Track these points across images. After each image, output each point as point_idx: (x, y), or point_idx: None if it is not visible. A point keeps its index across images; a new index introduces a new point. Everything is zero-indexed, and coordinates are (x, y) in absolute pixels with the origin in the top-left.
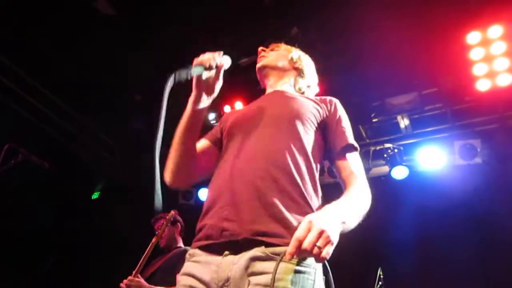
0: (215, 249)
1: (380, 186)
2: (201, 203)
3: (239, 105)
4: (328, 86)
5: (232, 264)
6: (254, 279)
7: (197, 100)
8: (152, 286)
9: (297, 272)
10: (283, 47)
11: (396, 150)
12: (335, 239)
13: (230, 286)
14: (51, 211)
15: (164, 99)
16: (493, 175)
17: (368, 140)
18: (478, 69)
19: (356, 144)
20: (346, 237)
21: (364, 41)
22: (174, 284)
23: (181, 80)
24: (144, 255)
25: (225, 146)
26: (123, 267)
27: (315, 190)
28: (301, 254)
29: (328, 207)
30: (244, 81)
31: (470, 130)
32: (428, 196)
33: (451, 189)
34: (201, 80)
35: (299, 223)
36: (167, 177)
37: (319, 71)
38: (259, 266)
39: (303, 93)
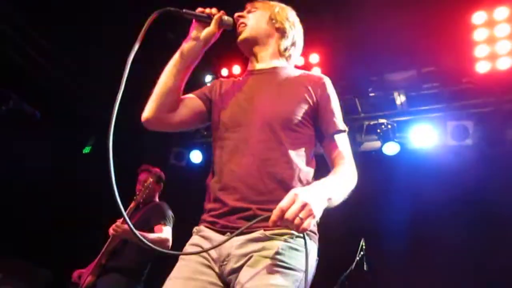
0: (218, 228)
1: (371, 161)
2: (192, 165)
3: (236, 69)
4: (329, 57)
5: (232, 242)
6: (256, 254)
7: (194, 38)
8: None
9: (292, 248)
10: (259, 5)
11: (389, 126)
12: (317, 213)
13: (229, 261)
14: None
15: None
16: (483, 157)
17: (363, 114)
18: (479, 51)
19: (344, 127)
20: (333, 211)
21: (367, 15)
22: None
23: (176, 14)
24: (126, 211)
25: (217, 143)
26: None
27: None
28: (283, 223)
29: (315, 183)
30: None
31: (465, 111)
32: (418, 173)
33: (441, 168)
34: (201, 21)
35: None
36: (145, 112)
37: (322, 39)
38: (260, 244)
39: (288, 56)
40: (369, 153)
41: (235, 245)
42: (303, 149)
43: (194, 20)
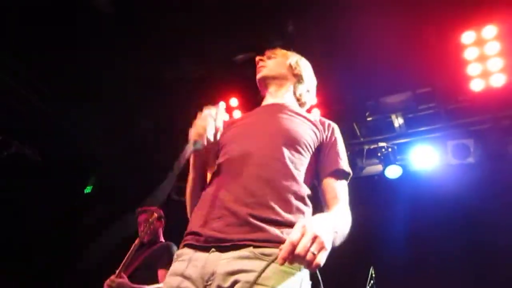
0: (202, 247)
1: (374, 185)
2: None
3: (234, 101)
4: (323, 84)
5: (218, 259)
6: (242, 276)
7: (200, 164)
8: (135, 285)
9: (284, 272)
10: (279, 53)
11: (390, 149)
12: (328, 246)
13: (214, 280)
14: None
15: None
16: (485, 175)
17: (362, 139)
18: (472, 69)
19: (349, 170)
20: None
21: (359, 40)
22: (156, 279)
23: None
24: (127, 255)
25: (220, 161)
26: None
27: (305, 205)
28: (294, 260)
29: (320, 215)
30: (240, 77)
31: (463, 129)
32: (422, 195)
33: (444, 189)
34: (200, 149)
35: (287, 233)
36: (188, 210)
37: (314, 69)
38: (247, 264)
39: (303, 103)
40: (372, 178)
41: (221, 263)
42: (303, 169)
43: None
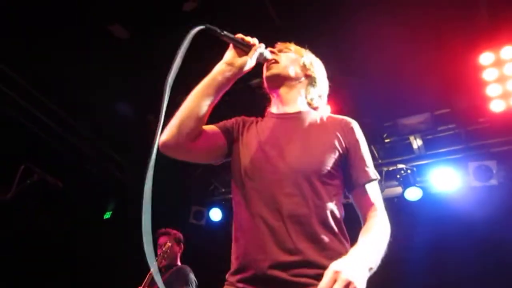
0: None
1: (393, 207)
2: (212, 224)
3: None
4: (340, 105)
5: None
6: None
7: (229, 64)
8: None
9: None
10: (293, 47)
11: (409, 171)
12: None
13: None
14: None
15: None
16: (510, 197)
17: (380, 161)
18: (491, 90)
19: (376, 175)
20: None
21: (377, 61)
22: None
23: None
24: (145, 282)
25: (238, 190)
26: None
27: (343, 236)
28: None
29: (354, 251)
30: (255, 102)
31: (485, 151)
32: (443, 218)
33: (466, 211)
34: (239, 48)
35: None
36: (164, 135)
37: (331, 88)
38: None
39: (314, 108)
40: (391, 200)
41: None
42: (333, 202)
43: (231, 45)
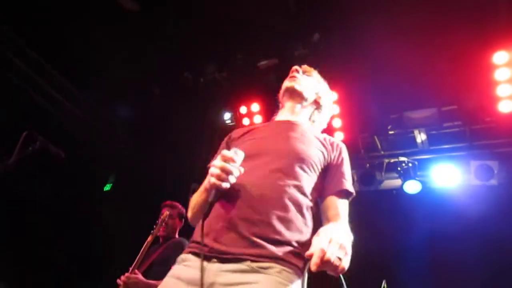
0: (205, 256)
1: (392, 199)
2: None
3: (255, 106)
4: (347, 93)
5: (219, 270)
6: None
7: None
8: (149, 281)
9: (280, 284)
10: (314, 73)
11: (410, 164)
12: (350, 251)
13: None
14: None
15: None
16: (509, 198)
17: (382, 152)
18: (502, 90)
19: (352, 190)
20: (353, 250)
21: (388, 53)
22: None
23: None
24: (141, 251)
25: None
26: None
27: (307, 226)
28: (323, 266)
29: (332, 224)
30: (261, 83)
31: (488, 151)
32: (440, 212)
33: (464, 208)
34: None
35: (284, 252)
36: (189, 216)
37: (338, 78)
38: (245, 277)
39: (313, 122)
40: (390, 192)
41: (221, 273)
42: (310, 189)
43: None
